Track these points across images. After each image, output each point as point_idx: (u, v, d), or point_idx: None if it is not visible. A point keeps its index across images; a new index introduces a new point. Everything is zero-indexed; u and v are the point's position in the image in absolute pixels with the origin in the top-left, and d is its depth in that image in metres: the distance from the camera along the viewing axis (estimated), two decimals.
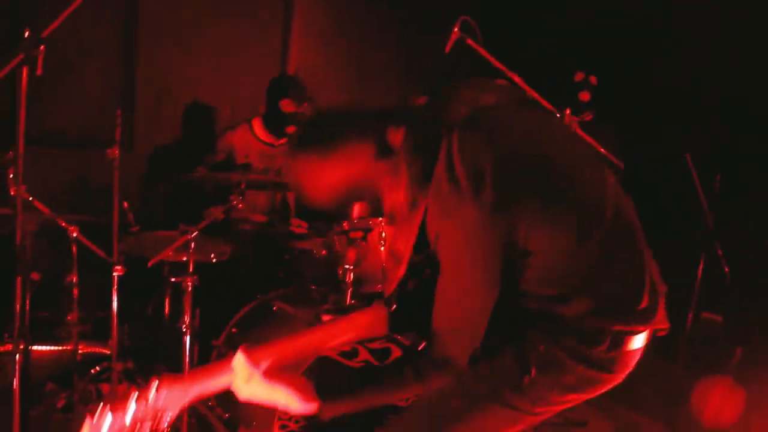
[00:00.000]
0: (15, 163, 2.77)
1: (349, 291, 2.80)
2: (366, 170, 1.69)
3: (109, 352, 3.09)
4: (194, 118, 4.39)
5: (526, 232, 1.55)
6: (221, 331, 2.99)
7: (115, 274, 2.84)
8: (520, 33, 4.72)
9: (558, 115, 3.16)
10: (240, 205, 2.79)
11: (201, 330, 3.00)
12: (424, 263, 1.74)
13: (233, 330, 2.95)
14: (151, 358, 3.22)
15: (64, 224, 2.95)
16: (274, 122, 3.83)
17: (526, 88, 3.18)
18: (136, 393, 1.54)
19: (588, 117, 4.08)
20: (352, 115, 1.77)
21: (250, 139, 3.85)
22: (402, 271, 1.76)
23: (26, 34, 2.14)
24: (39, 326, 3.80)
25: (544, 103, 3.20)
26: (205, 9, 4.39)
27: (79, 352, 3.20)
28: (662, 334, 1.74)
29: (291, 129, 3.74)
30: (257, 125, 3.90)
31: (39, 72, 2.17)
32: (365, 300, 2.83)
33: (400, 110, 1.74)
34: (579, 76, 4.09)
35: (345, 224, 2.80)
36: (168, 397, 1.56)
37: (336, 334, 1.85)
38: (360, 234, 2.85)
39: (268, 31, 4.66)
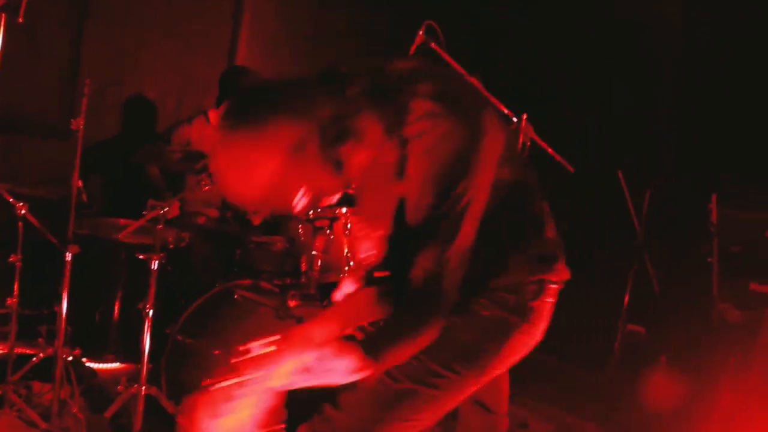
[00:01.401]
0: None
1: (315, 278, 2.79)
2: (308, 155, 1.43)
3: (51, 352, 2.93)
4: (137, 111, 4.26)
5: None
6: (176, 319, 2.89)
7: (68, 254, 2.71)
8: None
9: (514, 120, 3.29)
10: (206, 187, 2.73)
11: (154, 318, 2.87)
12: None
13: (190, 318, 2.86)
14: (100, 344, 3.07)
15: (11, 200, 2.79)
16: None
17: (485, 92, 3.30)
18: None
19: None
20: (284, 89, 1.50)
21: (208, 131, 3.78)
22: (385, 230, 1.67)
23: None
24: None
25: (501, 107, 3.33)
26: (156, 2, 4.30)
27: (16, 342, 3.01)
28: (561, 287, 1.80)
29: None
30: (213, 116, 3.84)
31: (20, 20, 2.07)
32: (327, 289, 2.83)
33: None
34: None
35: (311, 213, 2.80)
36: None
37: (358, 312, 1.78)
38: (326, 223, 2.85)
39: (218, 27, 4.60)
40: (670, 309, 4.21)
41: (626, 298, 4.23)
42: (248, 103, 1.45)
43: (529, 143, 3.34)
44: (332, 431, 1.68)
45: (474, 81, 3.26)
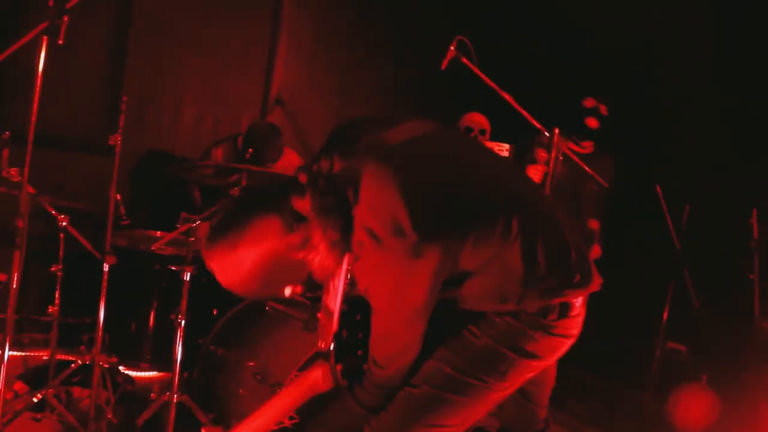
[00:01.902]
0: (9, 145, 2.77)
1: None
2: (279, 246, 1.66)
3: (88, 360, 3.02)
4: (175, 128, 4.38)
5: (459, 255, 1.64)
6: (209, 330, 2.95)
7: (106, 265, 2.79)
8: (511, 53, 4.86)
9: (546, 134, 3.28)
10: None
11: (187, 328, 2.92)
12: (353, 311, 2.06)
13: (223, 328, 2.91)
14: (136, 352, 3.15)
15: (53, 212, 2.90)
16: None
17: (517, 107, 3.30)
18: None
19: (588, 148, 4.16)
20: (252, 198, 1.82)
21: (234, 156, 3.87)
22: (335, 326, 1.85)
23: (50, 3, 2.13)
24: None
25: (533, 122, 3.32)
26: (195, 20, 4.42)
27: (57, 349, 3.11)
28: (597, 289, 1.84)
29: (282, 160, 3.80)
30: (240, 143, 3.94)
31: (60, 41, 2.16)
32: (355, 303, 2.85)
33: (302, 177, 1.71)
34: (589, 102, 4.07)
35: None
36: None
37: (288, 403, 1.91)
38: None
39: (256, 47, 4.71)
40: (711, 327, 4.12)
41: (665, 315, 4.16)
42: (219, 228, 1.74)
43: (561, 158, 3.33)
44: None
45: (506, 96, 3.28)
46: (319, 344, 1.95)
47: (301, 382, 1.92)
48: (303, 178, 1.69)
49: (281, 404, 1.91)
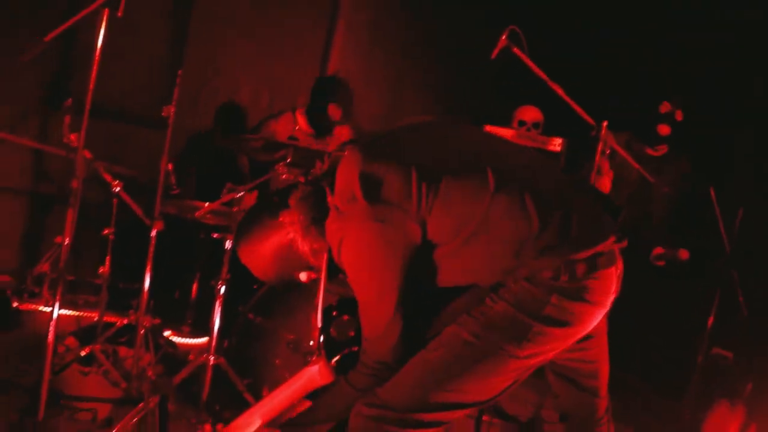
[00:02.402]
0: (71, 112, 2.90)
1: None
2: (283, 238, 1.95)
3: (134, 319, 3.16)
4: (230, 107, 4.49)
5: (424, 219, 1.72)
6: (248, 300, 3.04)
7: (154, 230, 2.91)
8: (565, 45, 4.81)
9: (595, 127, 3.25)
10: (284, 176, 2.86)
11: (227, 297, 3.01)
12: (335, 307, 2.24)
13: (262, 298, 3.00)
14: (178, 317, 3.27)
15: (108, 177, 3.03)
16: (319, 122, 3.94)
17: (567, 99, 3.28)
18: None
19: (663, 150, 4.08)
20: (262, 201, 2.19)
21: (292, 129, 3.94)
22: (319, 321, 2.11)
23: None
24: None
25: (585, 116, 3.29)
26: (255, 6, 4.52)
27: (106, 311, 3.26)
28: (622, 246, 1.83)
29: (337, 131, 3.86)
30: (300, 117, 4.00)
31: (120, 14, 2.26)
32: None
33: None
34: (665, 108, 3.97)
35: None
36: None
37: (286, 398, 2.01)
38: None
39: (313, 33, 4.79)
40: (759, 334, 4.00)
41: (710, 321, 4.05)
42: (240, 230, 2.14)
43: (608, 151, 3.30)
44: (381, 402, 1.78)
45: (556, 88, 3.26)
46: (310, 342, 2.08)
47: (299, 378, 2.00)
48: (302, 179, 1.99)
49: (279, 399, 1.99)
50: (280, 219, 1.94)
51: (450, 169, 1.76)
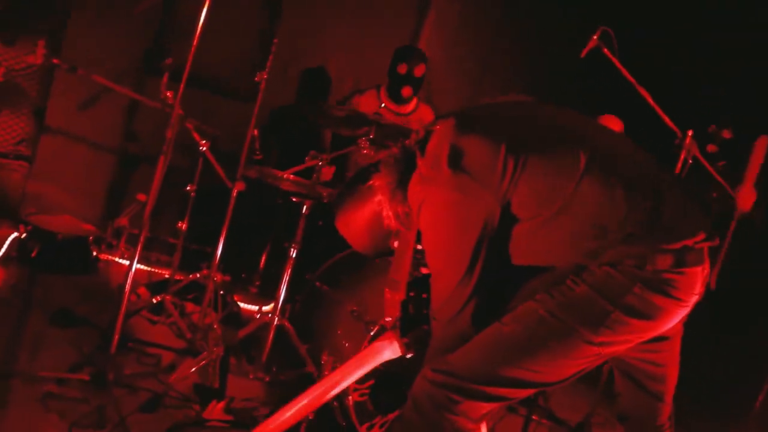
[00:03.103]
0: (170, 70, 3.04)
1: None
2: (376, 206, 1.98)
3: (205, 274, 3.28)
4: (316, 83, 4.60)
5: (508, 195, 1.71)
6: (317, 267, 3.11)
7: (235, 190, 3.01)
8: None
9: (679, 136, 3.21)
10: (365, 151, 2.92)
11: (297, 264, 3.08)
12: (413, 284, 2.10)
13: (331, 268, 3.07)
14: (248, 276, 3.38)
15: (196, 136, 3.16)
16: (392, 87, 4.00)
17: (654, 105, 3.24)
18: None
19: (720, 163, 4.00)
20: (359, 172, 2.12)
21: (377, 106, 4.02)
22: (402, 295, 2.03)
23: None
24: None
25: (669, 123, 3.25)
26: None
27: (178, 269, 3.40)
28: (713, 244, 1.77)
29: (404, 90, 3.91)
30: (383, 93, 4.08)
31: None
32: None
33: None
34: (710, 128, 3.91)
35: None
36: None
37: (354, 370, 2.04)
38: None
39: (403, 21, 4.86)
40: None
41: None
42: (336, 200, 2.17)
43: (691, 161, 3.24)
44: (449, 368, 1.77)
45: (644, 93, 3.23)
46: (385, 317, 2.09)
47: (369, 352, 2.03)
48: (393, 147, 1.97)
49: (349, 370, 2.02)
50: (371, 182, 1.97)
51: (540, 145, 1.77)
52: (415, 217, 1.86)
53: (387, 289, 2.14)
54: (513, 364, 1.74)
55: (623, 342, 1.76)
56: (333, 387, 1.99)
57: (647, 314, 1.71)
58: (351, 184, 2.12)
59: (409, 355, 2.03)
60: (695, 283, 1.75)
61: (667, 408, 2.08)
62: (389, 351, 2.02)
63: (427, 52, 4.26)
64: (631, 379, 2.05)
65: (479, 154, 1.74)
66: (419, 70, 3.94)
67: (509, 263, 1.83)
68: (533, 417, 3.33)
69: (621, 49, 3.20)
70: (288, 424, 1.86)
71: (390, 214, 1.97)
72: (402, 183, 1.90)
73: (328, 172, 3.44)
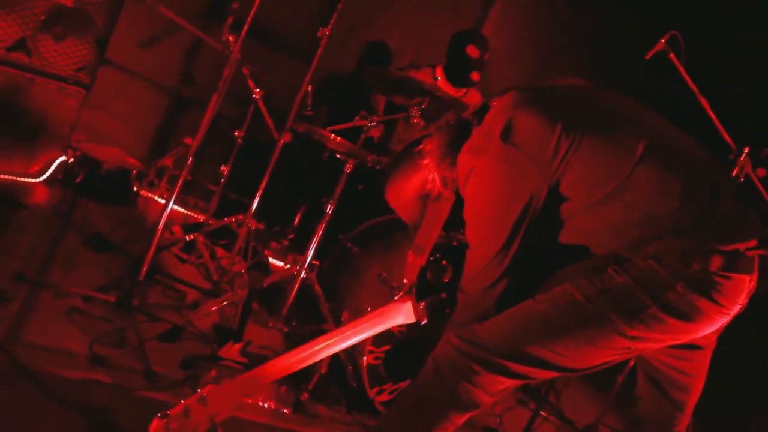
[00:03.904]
0: (235, 14, 3.07)
1: None
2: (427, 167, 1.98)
3: (240, 219, 3.31)
4: (374, 54, 4.60)
5: (559, 174, 1.69)
6: (351, 230, 3.13)
7: (281, 141, 3.04)
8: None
9: (734, 151, 3.13)
10: (415, 120, 2.92)
11: (331, 223, 3.08)
12: (434, 251, 2.07)
13: (365, 231, 3.08)
14: (282, 229, 3.41)
15: (252, 83, 3.19)
16: (457, 69, 3.96)
17: (713, 116, 3.17)
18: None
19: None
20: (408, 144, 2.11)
21: (431, 82, 4.01)
22: (423, 260, 2.02)
23: None
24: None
25: (726, 137, 3.17)
26: None
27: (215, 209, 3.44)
28: (765, 252, 1.70)
29: (474, 75, 3.88)
30: (439, 73, 4.06)
31: None
32: None
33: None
34: (763, 153, 3.53)
35: None
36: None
37: (365, 328, 1.99)
38: None
39: (469, 4, 4.84)
40: None
41: None
42: (386, 171, 2.18)
43: (742, 179, 3.16)
44: (475, 339, 1.75)
45: (703, 101, 3.17)
46: (404, 279, 2.09)
47: (383, 312, 2.01)
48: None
49: (361, 328, 1.98)
50: (422, 146, 1.97)
51: (598, 127, 1.74)
52: (461, 186, 1.85)
53: (410, 252, 2.14)
54: (540, 343, 1.71)
55: (656, 340, 1.71)
56: (342, 341, 1.98)
57: (686, 315, 1.65)
58: (402, 152, 2.12)
59: (423, 321, 2.02)
60: (741, 292, 1.69)
61: (685, 419, 2.04)
62: (403, 315, 2.01)
63: (489, 38, 4.22)
64: (654, 384, 2.02)
65: (534, 130, 1.72)
66: (487, 56, 3.91)
67: (551, 245, 1.80)
68: (541, 413, 3.31)
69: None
70: (293, 369, 1.86)
71: (435, 177, 1.97)
72: (452, 149, 1.90)
73: (377, 132, 3.43)
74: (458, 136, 1.89)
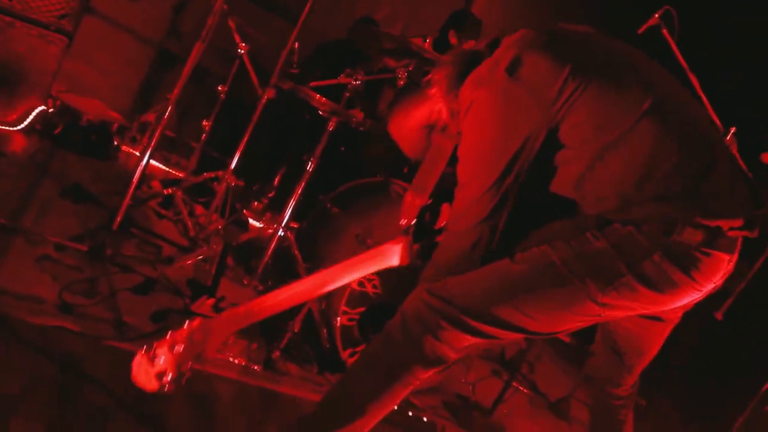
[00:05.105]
0: None
1: None
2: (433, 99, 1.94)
3: (220, 174, 3.26)
4: (365, 23, 4.52)
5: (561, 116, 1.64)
6: (332, 190, 3.09)
7: (265, 97, 2.99)
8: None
9: (722, 130, 3.11)
10: (401, 82, 2.87)
11: (312, 183, 3.03)
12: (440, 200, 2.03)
13: (345, 192, 3.05)
14: (262, 186, 3.36)
15: (237, 37, 3.13)
16: (438, 49, 3.91)
17: (702, 95, 3.14)
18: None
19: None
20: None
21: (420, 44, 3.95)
22: (423, 200, 1.97)
23: None
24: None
25: (714, 117, 3.15)
26: None
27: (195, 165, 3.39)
28: (750, 234, 1.65)
29: None
30: (428, 46, 4.00)
31: None
32: None
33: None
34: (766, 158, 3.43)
35: None
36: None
37: (358, 266, 1.96)
38: None
39: None
40: None
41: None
42: (392, 103, 2.17)
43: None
44: (447, 295, 1.72)
45: (692, 78, 3.14)
46: (401, 220, 2.04)
47: (377, 252, 1.96)
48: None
49: (352, 265, 1.94)
50: (430, 76, 1.92)
51: (607, 73, 1.68)
52: (461, 117, 1.78)
53: (409, 192, 2.08)
54: (512, 304, 1.68)
55: (626, 308, 1.69)
56: (331, 281, 1.92)
57: (659, 286, 1.62)
58: (408, 87, 2.10)
59: (416, 263, 1.95)
60: (717, 271, 1.65)
61: (633, 379, 2.10)
62: (397, 256, 1.95)
63: (484, 13, 4.17)
64: (610, 345, 2.06)
65: (541, 68, 1.66)
66: (467, 46, 3.84)
67: (538, 198, 1.76)
68: (514, 384, 3.32)
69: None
70: (284, 306, 1.81)
71: (443, 107, 1.92)
72: (461, 80, 1.82)
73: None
74: (468, 68, 1.82)
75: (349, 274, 1.96)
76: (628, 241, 1.61)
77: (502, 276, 1.71)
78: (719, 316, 3.45)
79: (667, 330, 1.98)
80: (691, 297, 1.70)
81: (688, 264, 1.61)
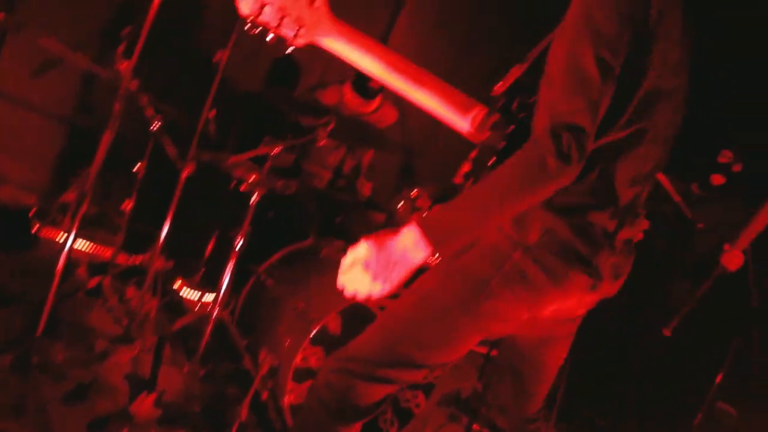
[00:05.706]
0: (127, 40, 2.90)
1: None
2: None
3: (147, 258, 3.15)
4: (284, 67, 4.46)
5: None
6: (263, 260, 3.01)
7: (184, 173, 2.89)
8: None
9: None
10: (322, 142, 2.83)
11: (243, 255, 2.96)
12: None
13: (278, 262, 2.97)
14: (191, 265, 3.26)
15: (149, 113, 3.02)
16: (364, 80, 3.87)
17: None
18: None
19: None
20: None
21: (338, 101, 3.90)
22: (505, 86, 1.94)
23: None
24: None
25: None
26: None
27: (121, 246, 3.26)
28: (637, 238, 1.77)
29: (384, 110, 3.80)
30: (347, 90, 3.96)
31: None
32: None
33: None
34: (724, 157, 3.50)
35: (414, 192, 2.83)
36: None
37: (433, 95, 1.96)
38: (428, 204, 2.87)
39: (380, 10, 4.76)
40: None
41: (720, 375, 3.90)
42: None
43: None
44: (348, 355, 1.74)
45: None
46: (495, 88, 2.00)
47: (453, 102, 1.96)
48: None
49: (427, 91, 1.95)
50: None
51: None
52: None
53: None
54: (406, 340, 1.72)
55: (509, 317, 1.72)
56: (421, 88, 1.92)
57: (528, 284, 1.67)
58: None
59: (485, 136, 1.84)
60: (573, 295, 1.71)
61: (537, 403, 2.14)
62: (470, 120, 1.90)
63: (400, 43, 4.17)
64: (513, 373, 2.10)
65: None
66: None
67: None
68: (474, 427, 3.28)
69: None
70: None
71: None
72: None
73: (287, 159, 3.33)
74: None
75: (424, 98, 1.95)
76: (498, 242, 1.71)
77: (391, 317, 1.79)
78: (668, 332, 3.49)
79: (565, 349, 2.02)
80: (566, 301, 1.74)
81: (548, 273, 1.66)
